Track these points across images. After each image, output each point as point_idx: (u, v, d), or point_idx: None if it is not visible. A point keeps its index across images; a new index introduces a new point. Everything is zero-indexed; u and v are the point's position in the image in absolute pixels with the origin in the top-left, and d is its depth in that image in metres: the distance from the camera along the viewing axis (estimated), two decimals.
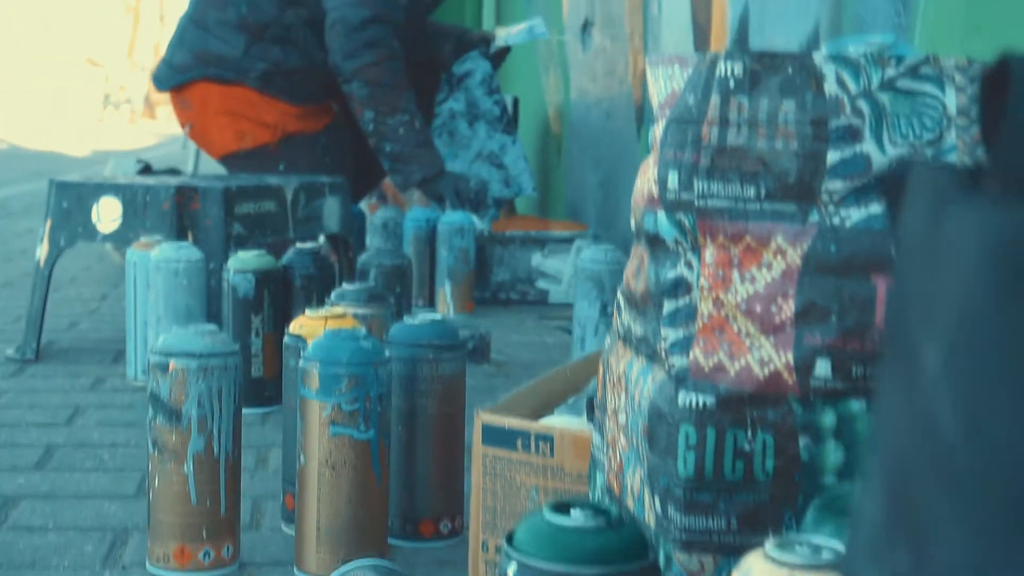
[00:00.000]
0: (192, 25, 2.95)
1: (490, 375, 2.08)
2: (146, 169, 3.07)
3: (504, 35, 3.28)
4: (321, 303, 1.86)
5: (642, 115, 2.95)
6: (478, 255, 2.78)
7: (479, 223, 2.84)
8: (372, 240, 2.95)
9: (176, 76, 2.94)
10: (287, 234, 2.24)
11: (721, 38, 2.39)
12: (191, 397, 1.17)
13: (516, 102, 3.89)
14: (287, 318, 1.85)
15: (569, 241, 2.89)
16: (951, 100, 0.72)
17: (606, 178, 3.30)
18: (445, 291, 2.67)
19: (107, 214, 2.08)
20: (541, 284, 2.90)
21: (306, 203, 2.28)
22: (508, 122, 3.08)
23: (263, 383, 1.81)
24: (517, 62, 4.72)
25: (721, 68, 0.75)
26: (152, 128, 21.54)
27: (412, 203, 3.69)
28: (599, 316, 1.98)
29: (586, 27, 3.53)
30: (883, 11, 1.77)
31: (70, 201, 2.11)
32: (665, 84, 0.79)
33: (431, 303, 2.73)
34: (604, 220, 3.29)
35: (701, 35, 2.53)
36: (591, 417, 1.18)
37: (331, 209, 2.36)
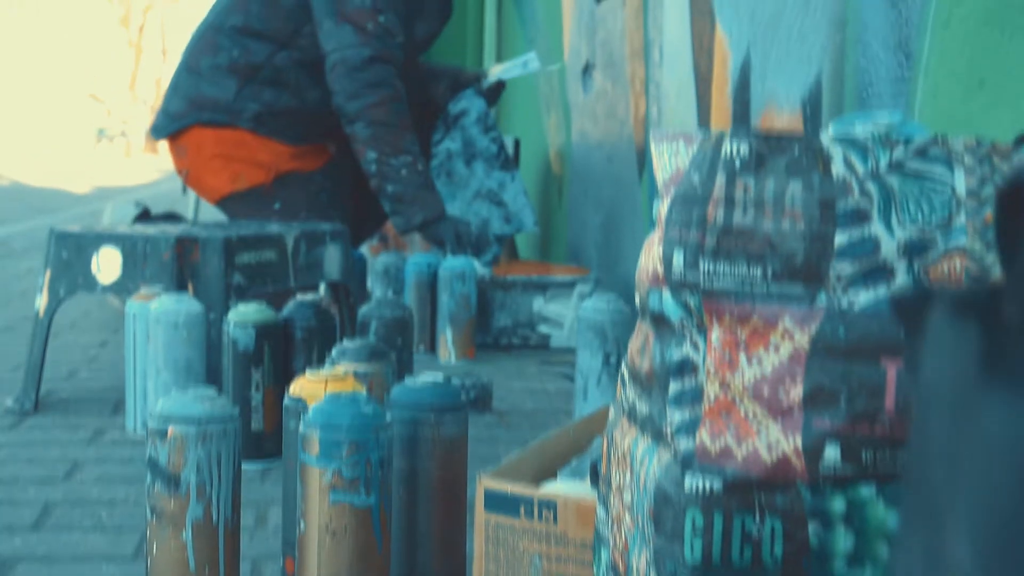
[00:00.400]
0: (186, 72, 2.96)
1: (492, 426, 2.07)
2: (144, 214, 3.06)
3: (499, 70, 3.28)
4: (322, 356, 1.85)
5: (644, 159, 2.94)
6: (479, 300, 2.77)
7: (480, 268, 2.83)
8: (373, 285, 2.94)
9: (172, 124, 2.95)
10: (288, 283, 2.23)
11: (723, 86, 2.39)
12: (190, 463, 1.16)
13: (517, 143, 3.89)
14: (288, 371, 1.85)
15: (571, 285, 2.89)
16: (960, 182, 0.71)
17: (607, 220, 3.30)
18: (446, 337, 2.65)
19: (107, 264, 2.08)
20: (543, 329, 2.89)
21: (307, 251, 2.28)
22: (506, 159, 3.07)
23: (263, 437, 1.80)
24: (518, 103, 4.72)
25: (727, 148, 0.74)
26: (154, 163, 21.60)
27: (414, 247, 3.69)
28: (601, 366, 1.97)
29: (587, 69, 3.54)
30: (885, 63, 1.76)
31: (70, 251, 2.10)
32: (670, 161, 0.78)
33: (432, 349, 2.72)
34: (606, 263, 3.28)
35: (703, 82, 2.52)
36: (595, 482, 1.17)
37: (332, 257, 2.35)
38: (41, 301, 2.13)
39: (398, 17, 2.89)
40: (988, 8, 1.49)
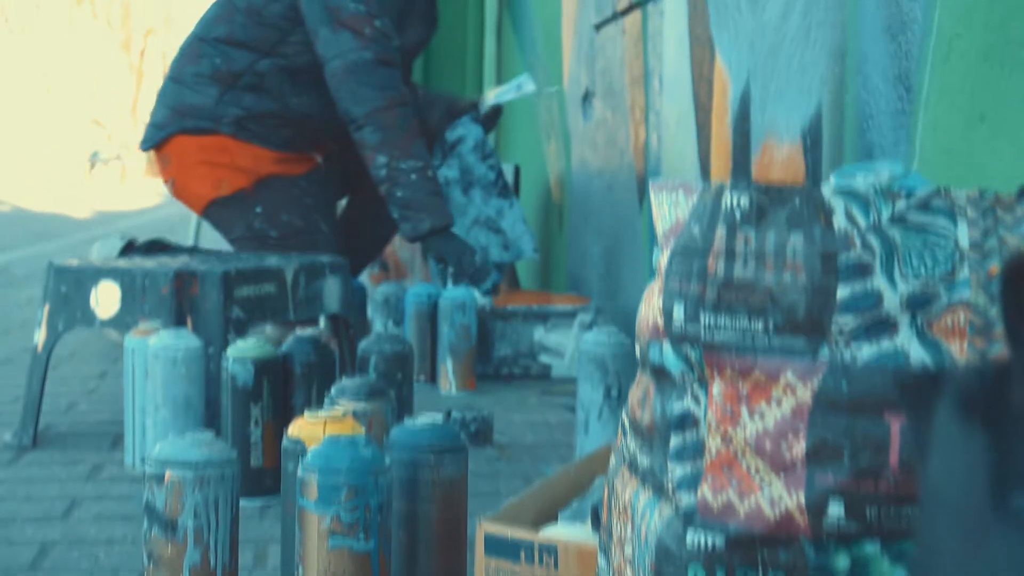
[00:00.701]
0: (170, 83, 2.98)
1: (493, 459, 2.06)
2: (129, 245, 3.02)
3: (493, 95, 3.27)
4: (321, 391, 1.84)
5: (644, 188, 2.94)
6: (480, 330, 2.76)
7: (480, 298, 2.83)
8: (373, 315, 2.93)
9: (156, 134, 2.95)
10: (287, 316, 2.22)
11: (723, 115, 2.39)
12: (187, 508, 1.15)
13: (517, 170, 3.89)
14: (287, 407, 1.84)
15: (571, 315, 2.88)
16: (963, 234, 0.70)
17: (608, 249, 3.29)
18: (447, 368, 2.64)
19: (106, 299, 2.07)
20: (543, 358, 2.88)
21: (306, 284, 2.27)
22: (504, 186, 3.06)
23: (262, 473, 1.78)
24: (518, 130, 4.73)
25: (727, 199, 0.73)
26: (156, 187, 21.63)
27: (414, 275, 3.68)
28: (603, 400, 1.95)
29: (587, 97, 3.54)
30: (885, 95, 1.76)
31: (68, 285, 2.09)
32: (670, 211, 0.77)
33: (433, 380, 2.71)
34: (607, 291, 3.28)
35: (702, 111, 2.52)
36: (596, 527, 1.16)
37: (331, 289, 2.35)
38: (40, 336, 2.12)
39: (393, 22, 2.88)
40: (987, 43, 1.49)
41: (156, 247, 3.01)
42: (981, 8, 1.51)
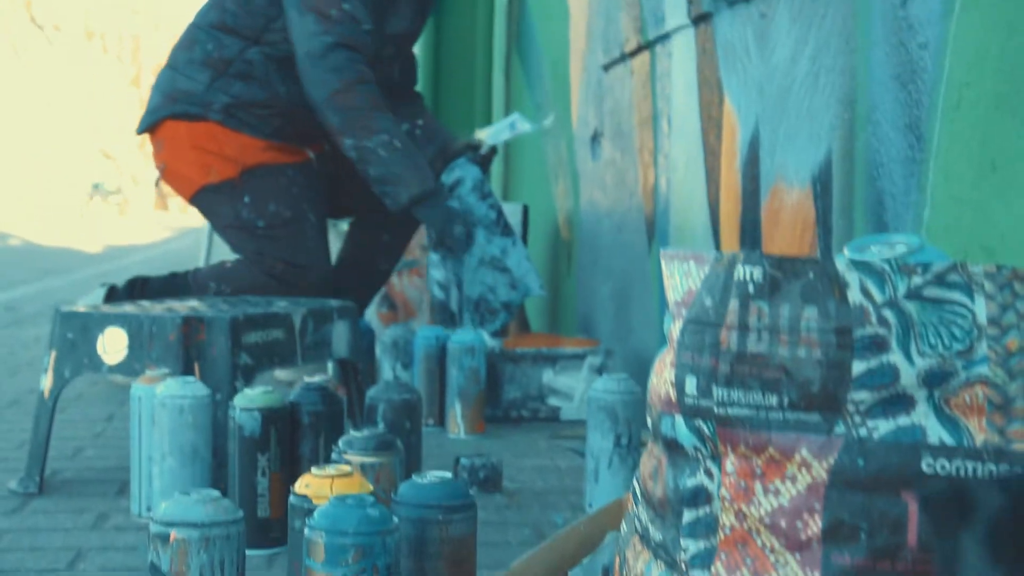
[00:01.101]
0: (166, 70, 3.00)
1: (502, 507, 2.04)
2: (112, 291, 2.98)
3: (486, 134, 3.25)
4: (329, 440, 1.82)
5: (653, 230, 2.93)
6: (489, 372, 2.75)
7: (490, 341, 2.81)
8: (382, 358, 2.92)
9: (149, 118, 2.97)
10: (295, 362, 2.21)
11: (732, 159, 2.38)
12: (193, 569, 1.13)
13: (526, 209, 3.89)
14: (294, 456, 1.82)
15: (581, 357, 2.86)
16: (980, 309, 0.69)
17: (618, 290, 3.28)
18: (455, 412, 2.63)
19: (113, 345, 2.06)
20: (553, 401, 2.86)
21: (314, 329, 2.26)
22: (505, 224, 3.05)
23: (269, 523, 1.77)
24: (527, 170, 4.73)
25: (739, 272, 0.72)
26: (164, 220, 21.70)
27: (422, 315, 3.68)
28: (612, 448, 1.94)
29: (595, 138, 3.54)
30: (896, 143, 1.75)
31: (75, 332, 2.08)
32: (681, 281, 0.76)
33: (441, 423, 2.70)
34: (616, 333, 3.26)
35: (711, 155, 2.52)
36: None
37: (340, 334, 2.34)
38: (46, 382, 2.11)
39: (365, 6, 2.87)
40: (998, 93, 1.48)
41: (136, 285, 2.96)
42: (992, 57, 1.50)
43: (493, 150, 3.25)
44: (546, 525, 1.92)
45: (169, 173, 2.98)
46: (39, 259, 10.86)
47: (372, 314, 3.69)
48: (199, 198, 2.94)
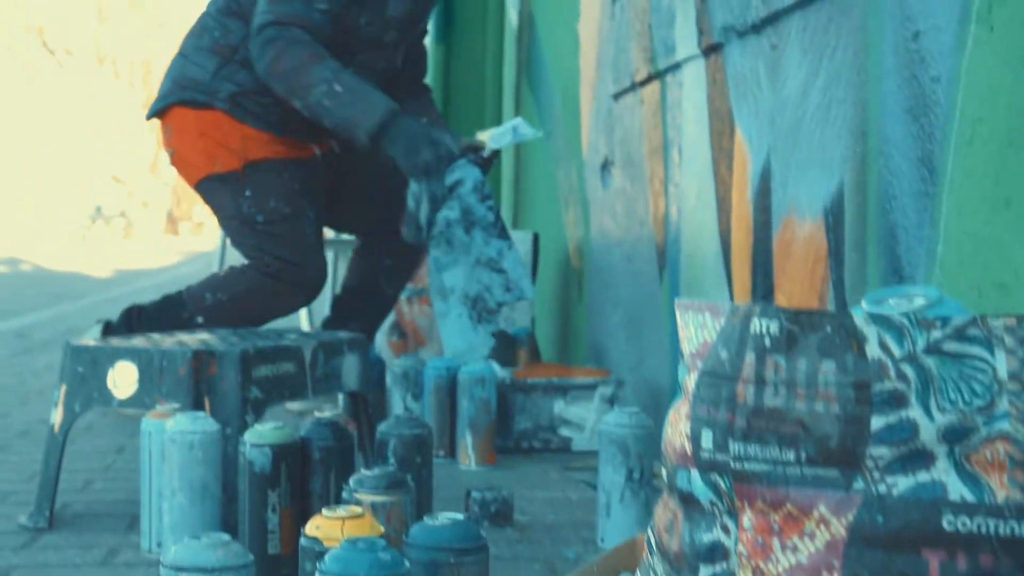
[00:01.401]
0: (177, 57, 3.01)
1: (513, 542, 2.03)
2: (107, 327, 2.97)
3: (488, 137, 3.23)
4: (340, 476, 1.81)
5: (664, 260, 2.92)
6: (500, 403, 2.74)
7: (500, 371, 2.80)
8: (392, 388, 2.91)
9: (157, 104, 2.98)
10: (306, 395, 2.20)
11: (743, 189, 2.38)
12: None
13: (536, 238, 3.88)
14: (305, 492, 1.81)
15: (592, 387, 2.85)
16: (1001, 363, 0.68)
17: (629, 319, 3.27)
18: (466, 443, 2.62)
19: (123, 379, 2.06)
20: (564, 432, 2.85)
21: (325, 362, 2.25)
22: (502, 228, 3.03)
23: (279, 560, 1.76)
24: (537, 198, 4.73)
25: (756, 325, 0.71)
26: (175, 245, 21.74)
27: (433, 343, 3.67)
28: (624, 482, 1.93)
29: (606, 166, 3.53)
30: (908, 176, 1.75)
31: (85, 366, 2.08)
32: (696, 333, 0.75)
33: (452, 455, 2.69)
34: (627, 362, 3.25)
35: (722, 185, 2.51)
36: None
37: (350, 367, 2.33)
38: (56, 417, 2.11)
39: None
40: (1012, 128, 1.47)
41: (133, 314, 2.95)
42: (1005, 92, 1.50)
43: (495, 154, 3.23)
44: (558, 561, 1.91)
45: (177, 158, 2.99)
46: (50, 284, 10.88)
47: (382, 342, 3.68)
48: (204, 186, 2.95)
